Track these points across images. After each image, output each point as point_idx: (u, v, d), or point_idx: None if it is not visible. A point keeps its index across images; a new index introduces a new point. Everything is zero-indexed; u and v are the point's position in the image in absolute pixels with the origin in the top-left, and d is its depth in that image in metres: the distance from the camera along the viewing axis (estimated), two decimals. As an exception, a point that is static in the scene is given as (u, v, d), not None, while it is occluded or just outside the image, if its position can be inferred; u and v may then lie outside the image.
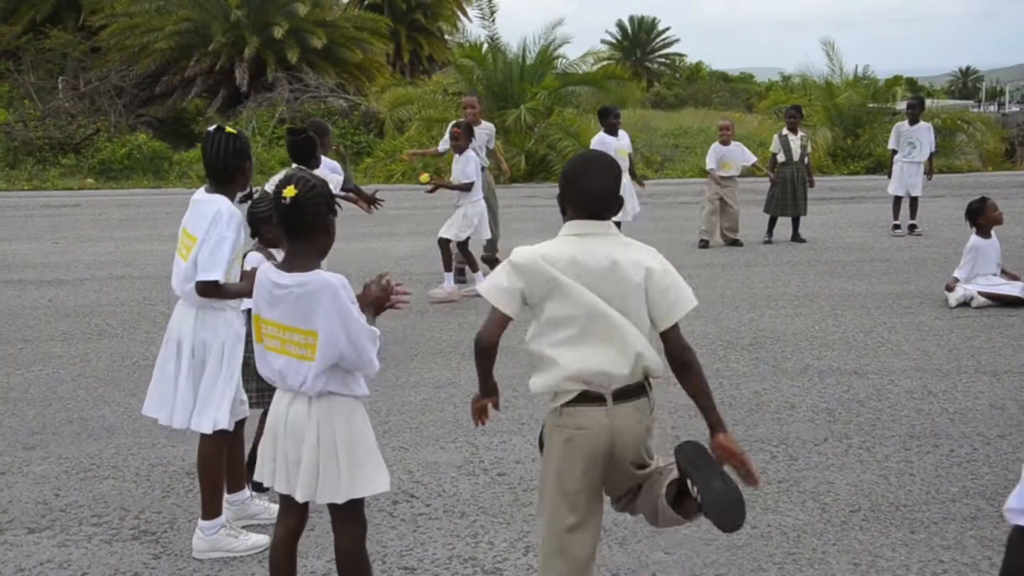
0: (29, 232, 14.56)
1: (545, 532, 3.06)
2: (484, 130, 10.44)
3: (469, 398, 3.34)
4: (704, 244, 12.08)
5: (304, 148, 6.48)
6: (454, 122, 9.89)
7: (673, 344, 2.98)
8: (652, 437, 3.07)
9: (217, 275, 3.80)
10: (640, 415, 2.97)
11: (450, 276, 9.21)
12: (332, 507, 3.17)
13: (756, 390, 6.13)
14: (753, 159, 12.92)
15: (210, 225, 3.85)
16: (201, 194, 4.03)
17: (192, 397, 3.95)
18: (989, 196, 8.95)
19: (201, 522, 4.00)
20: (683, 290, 2.97)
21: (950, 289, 8.52)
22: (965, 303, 8.37)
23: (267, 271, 3.13)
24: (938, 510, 4.31)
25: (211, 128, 4.02)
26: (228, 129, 4.00)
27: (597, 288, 2.90)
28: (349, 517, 3.18)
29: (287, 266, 3.11)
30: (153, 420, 5.69)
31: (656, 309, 2.94)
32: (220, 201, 3.92)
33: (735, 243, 12.24)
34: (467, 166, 9.11)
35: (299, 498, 3.13)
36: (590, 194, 2.98)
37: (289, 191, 3.02)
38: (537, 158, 21.69)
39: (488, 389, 3.16)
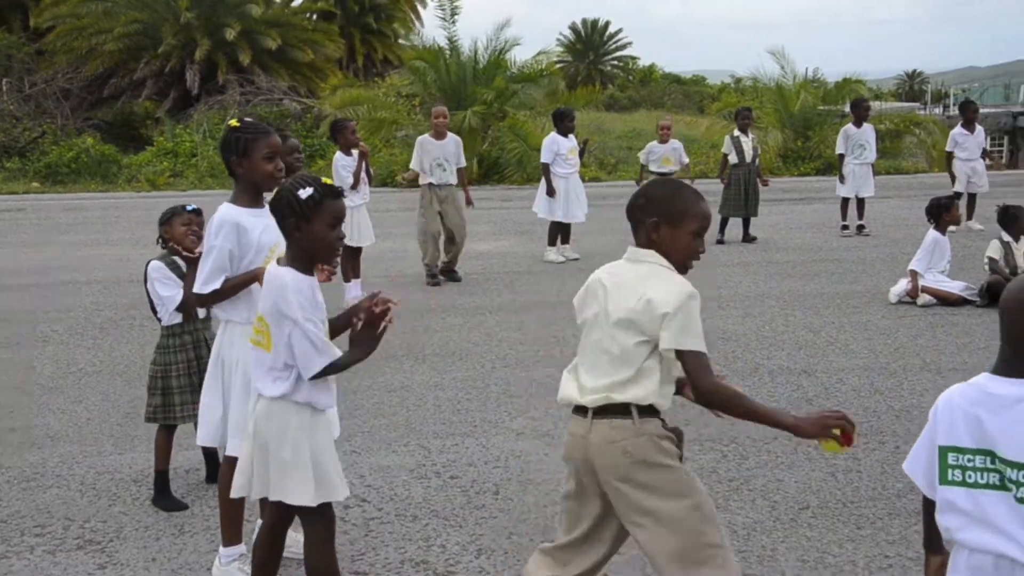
0: (-28, 237, 14.27)
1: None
2: (452, 143, 9.96)
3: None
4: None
5: None
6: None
7: None
8: (644, 468, 2.89)
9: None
10: (614, 433, 2.88)
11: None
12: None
13: (707, 390, 6.17)
14: (686, 161, 12.90)
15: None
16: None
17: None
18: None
19: (221, 548, 3.81)
20: None
21: (914, 295, 8.50)
22: (905, 300, 8.55)
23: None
24: (884, 506, 4.38)
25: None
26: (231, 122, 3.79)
27: None
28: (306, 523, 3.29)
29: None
30: (99, 427, 5.64)
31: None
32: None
33: None
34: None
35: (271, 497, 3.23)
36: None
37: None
38: (490, 161, 21.66)
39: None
